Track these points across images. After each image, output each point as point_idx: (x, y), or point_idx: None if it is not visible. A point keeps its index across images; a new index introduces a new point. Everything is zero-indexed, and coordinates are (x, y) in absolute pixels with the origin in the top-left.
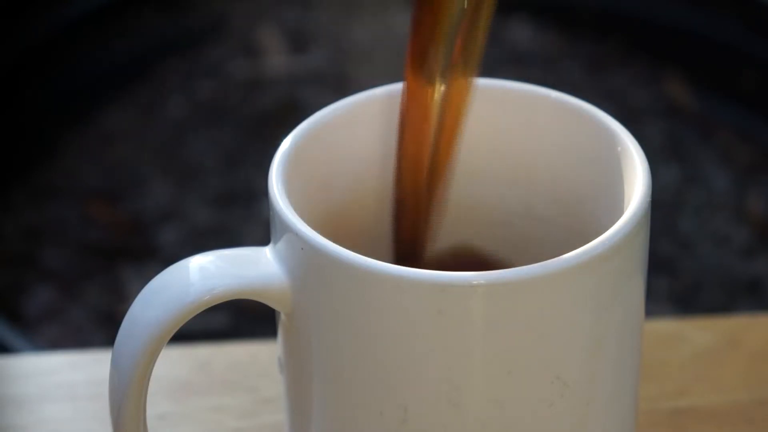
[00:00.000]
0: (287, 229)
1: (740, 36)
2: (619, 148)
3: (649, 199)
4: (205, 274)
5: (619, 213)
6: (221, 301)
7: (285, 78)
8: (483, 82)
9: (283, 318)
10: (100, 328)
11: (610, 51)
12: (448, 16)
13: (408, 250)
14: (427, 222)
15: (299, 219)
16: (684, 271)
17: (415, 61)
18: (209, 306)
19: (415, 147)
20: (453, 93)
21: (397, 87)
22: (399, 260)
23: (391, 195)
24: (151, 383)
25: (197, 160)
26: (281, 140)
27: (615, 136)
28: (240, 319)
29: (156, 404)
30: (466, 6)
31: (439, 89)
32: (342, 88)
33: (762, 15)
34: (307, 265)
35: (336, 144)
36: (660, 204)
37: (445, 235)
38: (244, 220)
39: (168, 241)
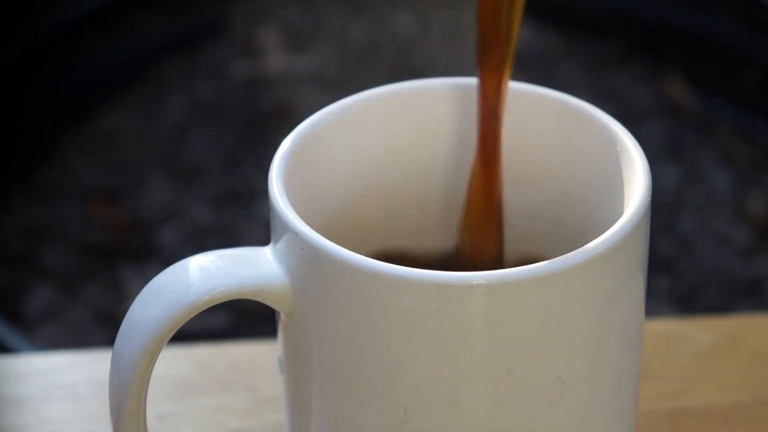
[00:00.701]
0: (287, 229)
1: (740, 36)
2: (619, 148)
3: (649, 199)
4: (205, 274)
5: (619, 213)
6: (221, 301)
7: (285, 78)
8: None
9: (283, 318)
10: (100, 328)
11: (610, 51)
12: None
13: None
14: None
15: (299, 219)
16: (684, 271)
17: (483, 54)
18: (209, 306)
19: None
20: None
21: (397, 87)
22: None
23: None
24: (151, 383)
25: (197, 160)
26: (281, 140)
27: (615, 136)
28: (240, 319)
29: (156, 404)
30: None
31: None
32: (342, 88)
33: (762, 15)
34: (307, 265)
35: (336, 144)
36: (660, 204)
37: (445, 235)
38: (244, 220)
39: (168, 241)
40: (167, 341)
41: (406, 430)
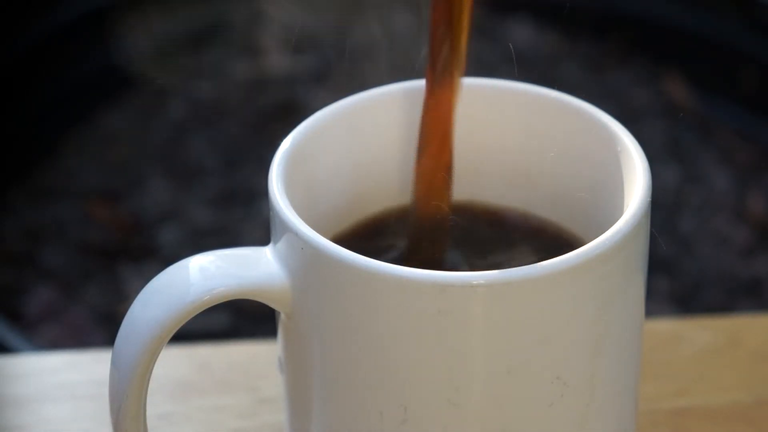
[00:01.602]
0: (287, 229)
1: (740, 36)
2: (619, 148)
3: (649, 199)
4: (205, 274)
5: (619, 213)
6: (221, 301)
7: (285, 78)
8: (483, 82)
9: (283, 318)
10: (100, 328)
11: (610, 51)
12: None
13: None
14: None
15: (299, 219)
16: (684, 271)
17: (433, 58)
18: (209, 306)
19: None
20: (444, 90)
21: (396, 87)
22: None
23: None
24: (151, 383)
25: (197, 160)
26: (281, 140)
27: (615, 136)
28: (240, 319)
29: (156, 404)
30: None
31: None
32: (342, 88)
33: (762, 15)
34: (307, 265)
35: (336, 144)
36: (660, 204)
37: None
38: (244, 220)
39: (168, 241)
40: (167, 341)
41: (406, 430)
